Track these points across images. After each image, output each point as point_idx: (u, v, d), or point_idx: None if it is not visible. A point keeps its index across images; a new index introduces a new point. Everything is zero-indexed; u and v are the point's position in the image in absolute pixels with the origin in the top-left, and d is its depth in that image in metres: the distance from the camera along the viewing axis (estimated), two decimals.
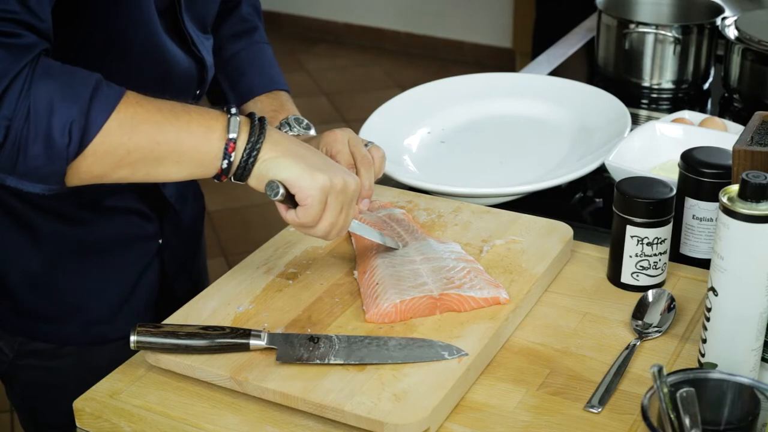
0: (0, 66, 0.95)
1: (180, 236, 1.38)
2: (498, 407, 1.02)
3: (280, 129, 1.36)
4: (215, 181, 1.09)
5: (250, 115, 1.08)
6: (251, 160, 1.06)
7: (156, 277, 1.34)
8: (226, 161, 1.05)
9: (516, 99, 1.72)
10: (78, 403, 1.04)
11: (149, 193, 1.32)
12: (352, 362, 1.03)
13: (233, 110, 1.07)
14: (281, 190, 1.06)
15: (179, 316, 1.13)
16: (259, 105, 1.41)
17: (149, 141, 1.03)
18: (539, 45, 3.38)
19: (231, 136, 1.05)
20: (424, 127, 1.64)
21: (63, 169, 0.99)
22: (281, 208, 1.10)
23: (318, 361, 1.03)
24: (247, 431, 0.99)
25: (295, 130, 1.34)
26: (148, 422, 1.02)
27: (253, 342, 1.05)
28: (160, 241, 1.34)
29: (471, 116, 1.69)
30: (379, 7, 5.06)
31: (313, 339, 1.06)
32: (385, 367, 1.03)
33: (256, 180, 1.07)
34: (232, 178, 1.07)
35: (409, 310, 1.11)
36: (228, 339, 1.04)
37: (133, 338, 1.04)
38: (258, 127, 1.07)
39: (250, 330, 1.06)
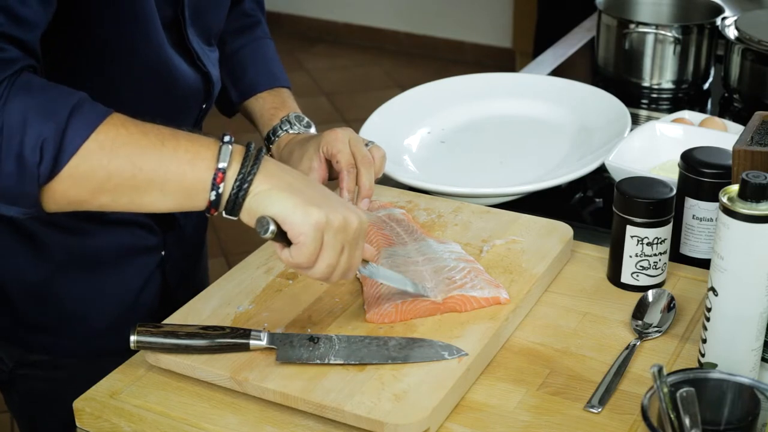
0: None
1: (183, 248, 1.37)
2: (498, 407, 1.02)
3: (281, 127, 1.35)
4: (206, 215, 1.03)
5: (247, 145, 1.01)
6: (242, 193, 0.98)
7: (157, 289, 1.33)
8: (214, 193, 0.98)
9: (516, 99, 1.72)
10: (78, 403, 1.04)
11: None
12: (352, 362, 1.03)
13: (227, 138, 1.00)
14: (271, 227, 0.97)
15: (179, 316, 1.13)
16: (261, 102, 1.40)
17: (130, 166, 0.96)
18: (540, 45, 3.38)
19: (220, 165, 0.97)
20: (424, 127, 1.64)
21: (35, 190, 0.94)
22: (276, 247, 1.02)
23: (318, 361, 1.03)
24: (247, 431, 0.99)
25: (295, 127, 1.34)
26: (148, 422, 1.02)
27: (253, 342, 1.05)
28: (163, 253, 1.32)
29: (471, 116, 1.69)
30: (379, 7, 5.06)
31: (313, 339, 1.06)
32: (385, 367, 1.03)
33: (248, 215, 0.99)
34: (223, 213, 1.00)
35: (410, 311, 1.11)
36: (228, 339, 1.04)
37: (133, 338, 1.04)
38: (252, 157, 0.99)
39: (250, 330, 1.06)
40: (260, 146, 1.01)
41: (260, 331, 1.06)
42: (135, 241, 1.28)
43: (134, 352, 1.08)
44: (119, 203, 0.99)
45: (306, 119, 1.37)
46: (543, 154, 1.57)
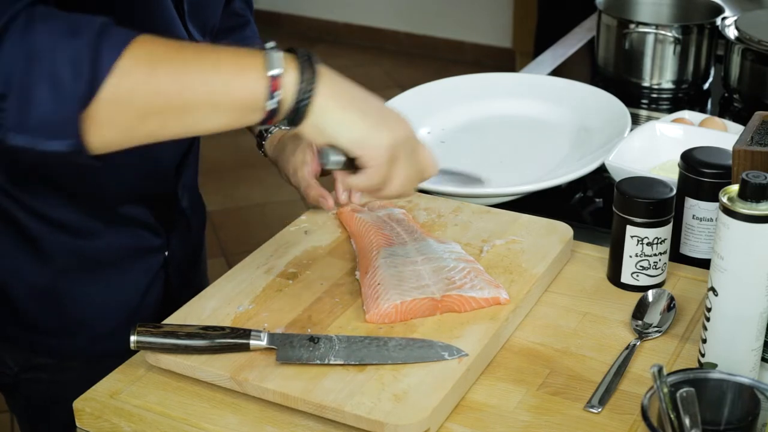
0: None
1: (185, 248, 1.36)
2: (498, 407, 1.02)
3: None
4: (260, 127, 0.96)
5: (296, 51, 0.95)
6: (304, 103, 0.93)
7: (161, 291, 1.32)
8: (272, 102, 0.92)
9: (516, 99, 1.72)
10: (78, 403, 1.04)
11: (163, 205, 1.30)
12: (352, 362, 1.03)
13: (270, 44, 0.95)
14: (339, 158, 0.94)
15: (179, 316, 1.13)
16: None
17: (173, 82, 0.90)
18: (541, 45, 3.38)
19: (272, 72, 0.91)
20: (424, 127, 1.64)
21: (75, 112, 0.87)
22: (338, 175, 0.99)
23: (318, 362, 1.03)
24: (247, 431, 0.99)
25: (282, 127, 1.33)
26: (148, 422, 1.02)
27: (253, 342, 1.05)
28: (166, 253, 1.32)
29: (471, 116, 1.69)
30: (379, 7, 5.06)
31: (313, 339, 1.06)
32: (385, 368, 1.03)
33: (312, 129, 0.95)
34: (280, 126, 0.94)
35: (410, 311, 1.11)
36: (228, 339, 1.04)
37: (133, 338, 1.04)
38: (307, 63, 0.94)
39: (250, 330, 1.06)
40: (308, 51, 0.97)
41: (260, 331, 1.06)
42: (139, 243, 1.27)
43: (134, 352, 1.08)
44: (170, 127, 0.92)
45: None
46: (543, 154, 1.57)
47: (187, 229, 1.35)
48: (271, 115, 0.94)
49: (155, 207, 1.28)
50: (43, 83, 0.86)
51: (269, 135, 1.33)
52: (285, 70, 0.93)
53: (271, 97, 0.92)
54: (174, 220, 1.32)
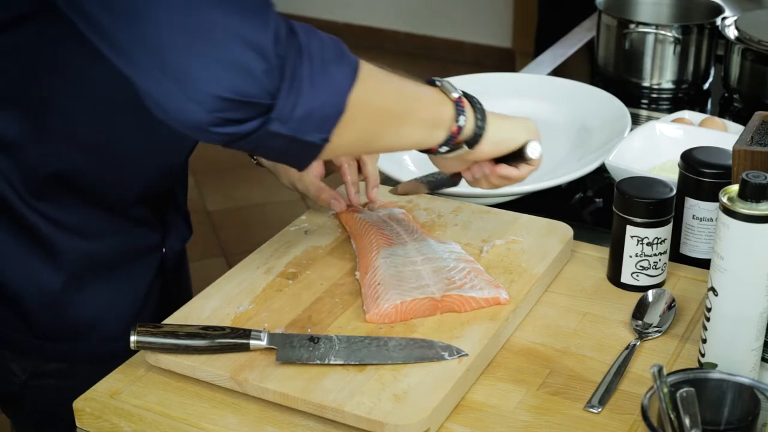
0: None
1: (181, 243, 1.36)
2: (498, 407, 1.02)
3: None
4: (441, 150, 1.08)
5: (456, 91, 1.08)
6: (483, 121, 1.07)
7: (159, 289, 1.32)
8: (462, 117, 1.05)
9: (516, 99, 1.71)
10: (78, 403, 1.04)
11: (161, 202, 1.30)
12: (352, 362, 1.03)
13: (437, 80, 1.07)
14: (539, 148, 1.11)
15: (179, 316, 1.13)
16: None
17: (396, 96, 1.01)
18: (541, 45, 3.38)
19: (456, 95, 1.05)
20: None
21: (342, 105, 0.94)
22: (505, 170, 1.13)
23: (318, 362, 1.03)
24: (247, 431, 0.99)
25: None
26: (148, 422, 1.02)
27: (253, 342, 1.05)
28: (164, 250, 1.32)
29: None
30: (379, 7, 5.06)
31: (313, 339, 1.06)
32: (385, 368, 1.03)
33: (490, 144, 1.09)
34: (463, 147, 1.07)
35: (410, 311, 1.11)
36: (228, 339, 1.04)
37: (133, 338, 1.04)
38: (469, 98, 1.08)
39: (250, 330, 1.05)
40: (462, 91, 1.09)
41: (260, 331, 1.06)
42: (138, 242, 1.27)
43: (135, 352, 1.08)
44: (386, 136, 1.02)
45: None
46: (543, 154, 1.57)
47: (185, 224, 1.35)
48: (453, 134, 1.06)
49: (154, 204, 1.29)
50: (317, 76, 0.92)
51: None
52: (459, 95, 1.06)
53: (459, 114, 1.05)
54: (170, 216, 1.32)
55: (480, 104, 1.09)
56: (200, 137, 0.93)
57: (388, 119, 1.01)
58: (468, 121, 1.07)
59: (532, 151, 1.11)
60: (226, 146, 0.94)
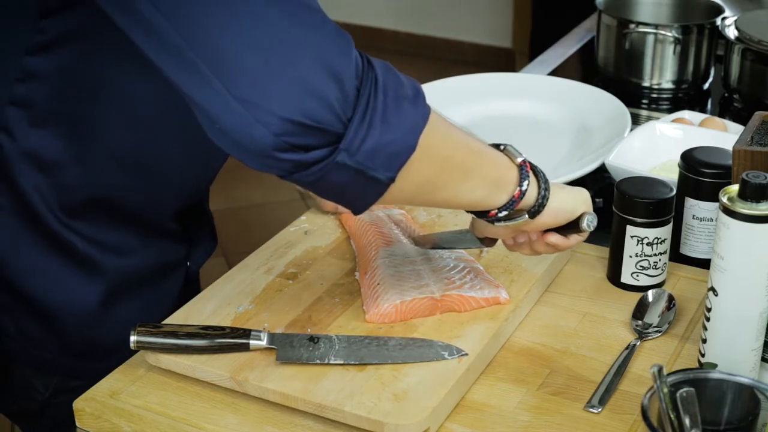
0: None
1: (205, 256, 1.35)
2: (498, 407, 1.02)
3: None
4: (500, 214, 1.03)
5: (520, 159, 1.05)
6: (545, 191, 1.04)
7: (184, 302, 1.31)
8: (526, 182, 1.02)
9: (516, 99, 1.72)
10: (78, 403, 1.04)
11: (190, 215, 1.28)
12: (352, 362, 1.03)
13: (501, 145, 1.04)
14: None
15: (179, 316, 1.13)
16: None
17: (465, 145, 0.98)
18: (536, 45, 3.39)
19: (520, 159, 1.02)
20: None
21: (413, 144, 0.90)
22: (555, 238, 1.09)
23: (318, 361, 1.03)
24: (247, 431, 0.99)
25: None
26: (148, 422, 1.02)
27: (253, 342, 1.05)
28: (188, 263, 1.31)
29: (471, 116, 1.69)
30: (379, 7, 5.06)
31: (313, 339, 1.06)
32: (385, 367, 1.03)
33: (551, 213, 1.05)
34: (528, 214, 1.03)
35: (409, 311, 1.11)
36: (228, 339, 1.04)
37: (133, 338, 1.04)
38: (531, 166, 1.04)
39: (250, 330, 1.06)
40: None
41: (260, 331, 1.06)
42: (166, 257, 1.25)
43: (134, 352, 1.08)
44: (450, 188, 0.98)
45: None
46: (543, 154, 1.57)
47: (210, 235, 1.34)
48: (513, 201, 1.02)
49: (185, 219, 1.27)
50: (390, 109, 0.89)
51: None
52: (523, 161, 1.03)
53: (523, 178, 1.02)
54: (197, 230, 1.31)
55: (544, 174, 1.05)
56: (261, 163, 0.88)
57: (454, 170, 0.97)
58: (531, 189, 1.03)
59: (588, 223, 1.07)
60: (286, 177, 0.89)
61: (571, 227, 1.08)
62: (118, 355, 1.22)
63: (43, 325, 1.18)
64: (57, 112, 1.07)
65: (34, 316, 1.18)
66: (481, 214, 1.05)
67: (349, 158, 0.87)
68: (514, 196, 1.02)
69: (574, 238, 1.11)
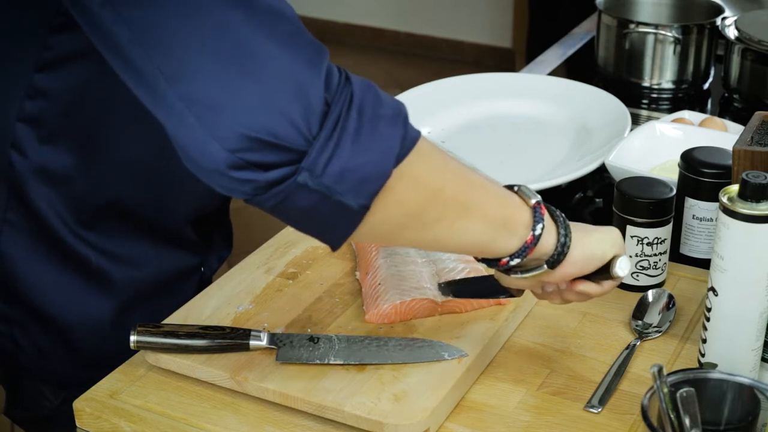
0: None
1: (218, 264, 1.35)
2: (498, 407, 1.02)
3: None
4: (512, 263, 0.93)
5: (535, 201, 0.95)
6: (565, 237, 0.93)
7: None
8: (540, 226, 0.91)
9: (516, 99, 1.72)
10: (78, 403, 1.04)
11: (209, 222, 1.28)
12: (352, 362, 1.03)
13: (515, 186, 0.95)
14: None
15: (179, 316, 1.13)
16: None
17: (461, 178, 0.88)
18: (534, 46, 3.39)
19: (535, 200, 0.92)
20: (425, 127, 1.64)
21: (387, 168, 0.81)
22: (586, 287, 0.99)
23: (318, 361, 1.03)
24: (247, 431, 0.99)
25: None
26: (148, 422, 1.02)
27: (253, 342, 1.05)
28: (203, 269, 1.30)
29: (471, 116, 1.69)
30: (379, 7, 5.06)
31: (313, 339, 1.06)
32: (385, 368, 1.03)
33: (575, 262, 0.95)
34: (543, 266, 0.94)
35: (409, 311, 1.11)
36: (228, 339, 1.04)
37: (132, 338, 1.04)
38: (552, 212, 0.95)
39: (250, 330, 1.05)
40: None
41: (260, 331, 1.06)
42: (180, 265, 1.24)
43: (134, 352, 1.08)
44: (441, 224, 0.88)
45: None
46: (543, 154, 1.57)
47: (227, 241, 1.34)
48: (526, 246, 0.92)
49: (202, 225, 1.26)
50: (364, 129, 0.81)
51: None
52: (538, 202, 0.93)
53: (536, 221, 0.92)
54: (214, 236, 1.30)
55: (563, 218, 0.95)
56: (218, 183, 0.81)
57: (447, 204, 0.88)
58: (548, 235, 0.93)
59: (621, 268, 0.95)
60: (249, 201, 0.81)
61: (602, 272, 0.98)
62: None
63: (56, 339, 1.18)
64: (67, 128, 1.06)
65: (47, 330, 1.17)
66: (492, 263, 0.96)
67: (312, 179, 0.80)
68: (526, 242, 0.92)
69: (608, 284, 1.00)
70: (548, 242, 0.94)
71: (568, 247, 0.94)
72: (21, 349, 1.19)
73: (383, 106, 0.83)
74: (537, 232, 0.92)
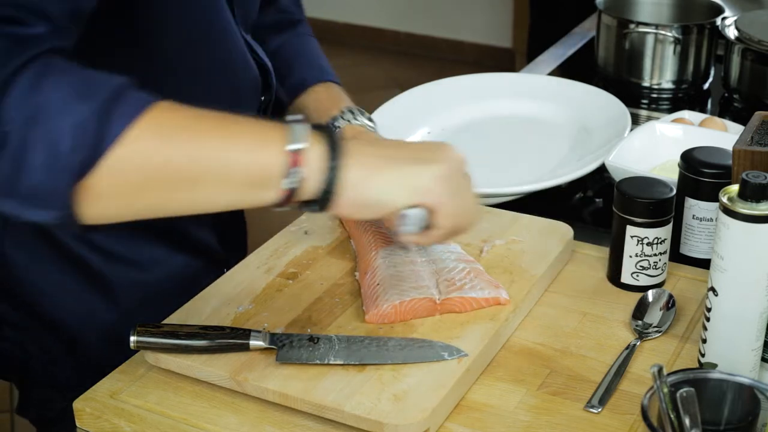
0: None
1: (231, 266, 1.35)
2: (498, 407, 1.02)
3: (342, 116, 1.26)
4: (276, 210, 0.88)
5: (321, 126, 0.89)
6: (333, 178, 0.86)
7: None
8: (288, 180, 0.85)
9: (516, 99, 1.72)
10: (78, 403, 1.04)
11: (229, 226, 1.27)
12: (352, 362, 1.03)
13: (295, 117, 0.88)
14: (421, 220, 0.87)
15: (179, 316, 1.13)
16: (313, 95, 1.33)
17: (185, 155, 0.84)
18: (534, 46, 3.39)
19: (293, 147, 0.84)
20: (425, 127, 1.64)
21: (67, 185, 0.80)
22: (412, 238, 0.93)
23: (318, 361, 1.03)
24: (247, 431, 0.99)
25: (358, 119, 1.29)
26: (148, 422, 1.02)
27: (253, 342, 1.05)
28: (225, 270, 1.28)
29: (471, 116, 1.69)
30: (379, 7, 5.06)
31: (313, 339, 1.06)
32: (385, 368, 1.03)
33: (352, 206, 0.88)
34: (304, 209, 0.88)
35: (409, 311, 1.11)
36: (228, 339, 1.04)
37: (133, 338, 1.04)
38: (331, 137, 0.88)
39: (250, 330, 1.05)
40: (328, 124, 0.90)
41: (260, 331, 1.06)
42: (196, 269, 1.24)
43: (134, 352, 1.08)
44: (173, 203, 0.86)
45: (368, 114, 1.27)
46: (543, 154, 1.57)
47: (243, 244, 1.33)
48: (288, 196, 0.87)
49: (222, 228, 1.25)
50: (39, 151, 0.78)
51: (337, 129, 1.28)
52: (310, 144, 0.85)
53: (288, 174, 0.85)
54: (233, 239, 1.30)
55: (339, 151, 0.87)
56: None
57: (169, 185, 0.84)
58: (308, 182, 0.86)
59: (404, 224, 0.87)
60: None
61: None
62: None
63: (64, 344, 1.18)
64: None
65: (54, 336, 1.17)
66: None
67: (5, 203, 0.80)
68: (281, 194, 0.87)
69: (434, 234, 0.94)
70: (312, 186, 0.87)
71: (333, 193, 0.88)
72: (29, 354, 1.19)
73: (58, 130, 0.78)
74: (284, 186, 0.86)
